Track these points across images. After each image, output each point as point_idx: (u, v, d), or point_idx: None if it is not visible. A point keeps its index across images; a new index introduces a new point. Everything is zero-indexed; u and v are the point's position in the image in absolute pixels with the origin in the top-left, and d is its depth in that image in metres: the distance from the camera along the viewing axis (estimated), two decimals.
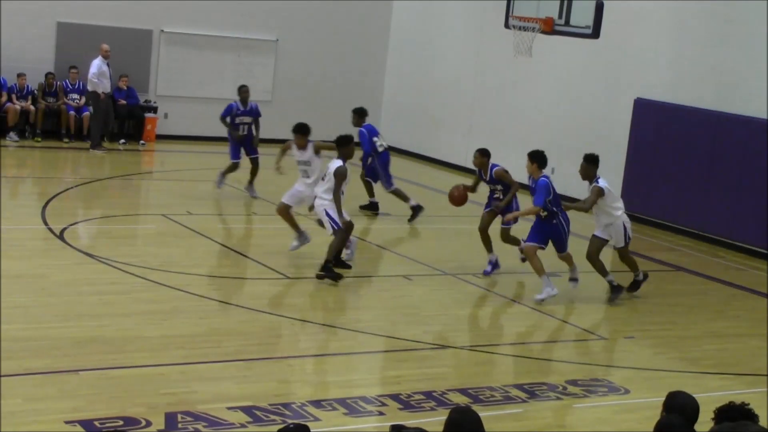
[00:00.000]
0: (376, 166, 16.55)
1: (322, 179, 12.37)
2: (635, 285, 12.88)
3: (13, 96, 20.62)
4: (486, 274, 13.31)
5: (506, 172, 13.19)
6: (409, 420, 8.01)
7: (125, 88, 21.54)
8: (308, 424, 5.11)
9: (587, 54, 18.96)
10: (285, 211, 13.16)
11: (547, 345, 11.19)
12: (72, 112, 21.03)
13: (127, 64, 21.43)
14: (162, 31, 22.20)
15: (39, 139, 20.67)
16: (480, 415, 5.04)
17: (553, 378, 9.73)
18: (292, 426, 4.93)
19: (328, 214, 12.23)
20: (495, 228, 13.31)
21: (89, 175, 18.54)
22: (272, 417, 8.02)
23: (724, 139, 16.79)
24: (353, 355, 10.06)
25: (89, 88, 20.26)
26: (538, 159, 12.38)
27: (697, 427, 5.41)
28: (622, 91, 18.66)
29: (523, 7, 14.63)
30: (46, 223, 13.92)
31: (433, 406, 8.60)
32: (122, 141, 21.37)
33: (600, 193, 12.11)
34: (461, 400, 8.80)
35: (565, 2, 14.15)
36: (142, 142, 21.71)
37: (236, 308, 11.01)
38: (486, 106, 21.87)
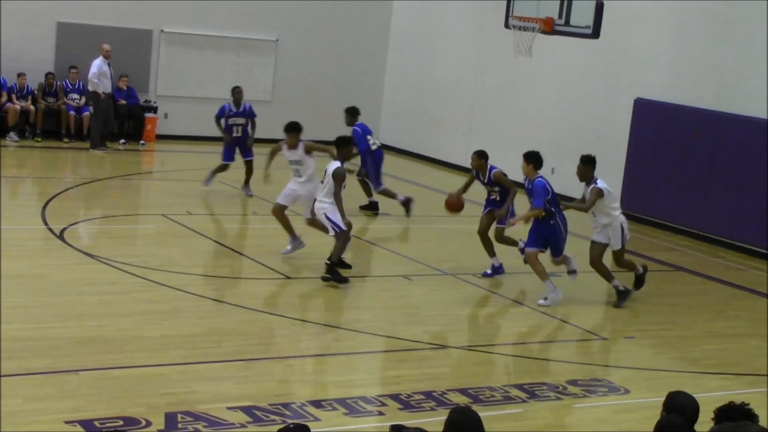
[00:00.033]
0: (368, 165, 16.54)
1: (321, 182, 12.31)
2: (639, 281, 12.81)
3: (13, 96, 20.63)
4: (485, 275, 13.28)
5: (505, 174, 13.16)
6: (409, 420, 8.01)
7: (125, 88, 21.54)
8: (308, 424, 5.11)
9: (587, 54, 18.96)
10: (280, 212, 13.15)
11: (547, 345, 11.19)
12: (72, 112, 21.03)
13: (127, 64, 21.43)
14: (162, 31, 22.20)
15: (39, 139, 20.67)
16: (480, 415, 5.04)
17: (553, 378, 9.73)
18: (292, 426, 4.93)
19: (329, 218, 12.19)
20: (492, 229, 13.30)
21: (89, 175, 18.54)
22: (272, 417, 8.02)
23: (724, 139, 16.79)
24: (353, 355, 10.06)
25: (90, 88, 20.26)
26: (533, 160, 12.31)
27: (697, 427, 5.41)
28: (622, 91, 18.66)
29: (523, 7, 14.63)
30: (46, 223, 13.92)
31: (433, 406, 8.60)
32: (122, 141, 21.37)
33: (600, 194, 12.08)
34: (461, 400, 8.80)
35: (565, 2, 14.15)
36: (142, 142, 21.71)
37: (236, 308, 11.01)
38: (486, 106, 21.88)
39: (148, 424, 7.66)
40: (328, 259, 12.75)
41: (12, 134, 20.46)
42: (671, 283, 14.46)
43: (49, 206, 15.03)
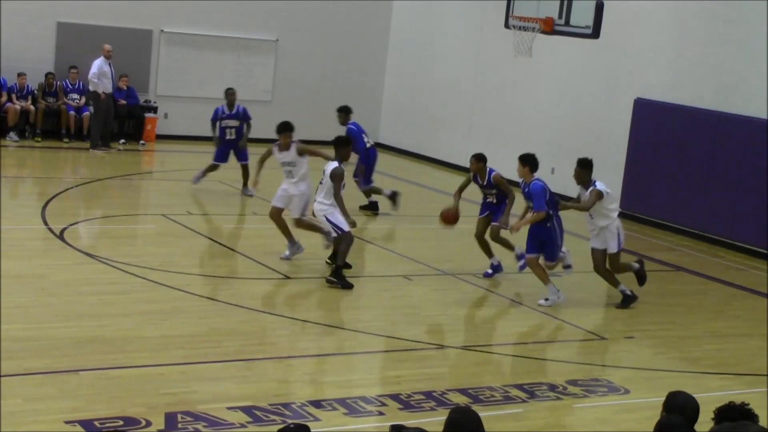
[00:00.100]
0: (363, 163, 16.53)
1: (320, 182, 12.30)
2: (640, 275, 12.69)
3: (13, 96, 20.63)
4: (486, 275, 13.28)
5: (504, 178, 13.11)
6: (409, 420, 8.01)
7: (125, 88, 21.53)
8: (308, 424, 5.11)
9: (587, 54, 18.96)
10: (278, 216, 13.13)
11: (547, 345, 11.19)
12: (72, 112, 21.03)
13: (127, 64, 21.43)
14: (162, 31, 22.20)
15: (39, 139, 20.67)
16: (480, 415, 5.04)
17: (553, 378, 9.73)
18: (292, 426, 4.93)
19: (330, 221, 12.15)
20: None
21: (89, 175, 18.54)
22: (272, 417, 8.02)
23: (724, 139, 16.80)
24: (353, 355, 10.06)
25: (90, 88, 20.26)
26: (529, 162, 12.25)
27: (697, 427, 5.41)
28: (622, 91, 18.67)
29: (523, 7, 14.63)
30: (46, 223, 13.92)
31: (433, 406, 8.60)
32: (122, 141, 21.36)
33: (600, 196, 12.04)
34: (461, 400, 8.80)
35: (565, 2, 14.14)
36: (142, 142, 21.72)
37: (236, 308, 11.01)
38: (486, 106, 21.88)
39: (148, 424, 7.66)
40: (329, 258, 12.74)
41: (12, 134, 20.46)
42: (671, 283, 14.46)
43: (49, 206, 15.03)
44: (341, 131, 16.22)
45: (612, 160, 18.56)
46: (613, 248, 12.30)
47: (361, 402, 8.59)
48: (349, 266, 12.61)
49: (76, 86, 21.15)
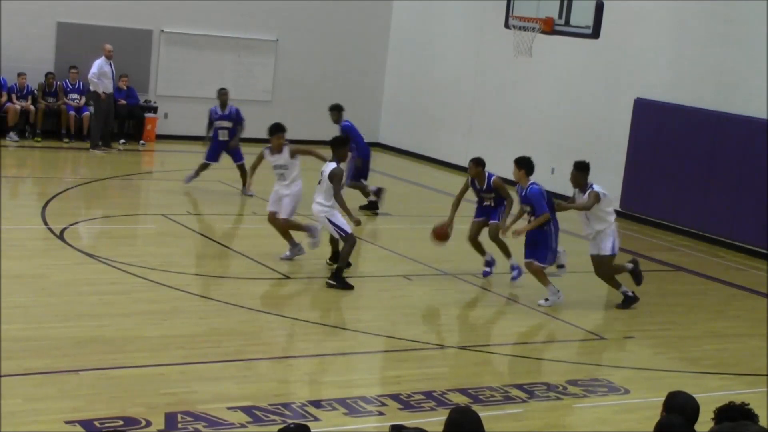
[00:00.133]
0: (359, 157, 16.51)
1: (319, 183, 12.25)
2: (636, 276, 12.58)
3: (13, 96, 20.63)
4: (486, 275, 13.27)
5: (503, 182, 13.02)
6: (409, 420, 8.01)
7: (125, 88, 21.54)
8: (308, 424, 5.11)
9: (587, 54, 18.96)
10: (275, 219, 13.12)
11: (547, 345, 11.19)
12: (72, 112, 21.03)
13: (127, 64, 21.43)
14: (162, 31, 22.20)
15: (39, 139, 20.67)
16: (480, 415, 5.04)
17: (553, 378, 9.73)
18: (292, 426, 4.93)
19: (332, 222, 12.12)
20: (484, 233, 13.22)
21: (89, 175, 18.54)
22: (272, 417, 8.02)
23: (724, 139, 16.80)
24: (353, 355, 10.06)
25: (91, 88, 20.27)
26: (525, 165, 12.20)
27: (697, 427, 5.41)
28: (622, 91, 18.67)
29: (523, 7, 14.63)
30: (46, 223, 13.92)
31: (433, 406, 8.60)
32: (122, 141, 21.37)
33: (598, 197, 12.01)
34: (461, 400, 8.80)
35: (565, 2, 14.15)
36: (142, 142, 21.72)
37: (236, 308, 11.01)
38: (486, 106, 21.88)
39: (148, 424, 7.66)
40: (329, 259, 12.72)
41: (12, 134, 20.46)
42: (671, 283, 14.46)
43: (49, 206, 15.02)
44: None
45: (612, 160, 18.56)
46: (606, 250, 12.18)
47: (361, 402, 8.59)
48: (349, 264, 12.58)
49: (76, 86, 21.15)
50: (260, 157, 13.39)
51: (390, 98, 24.51)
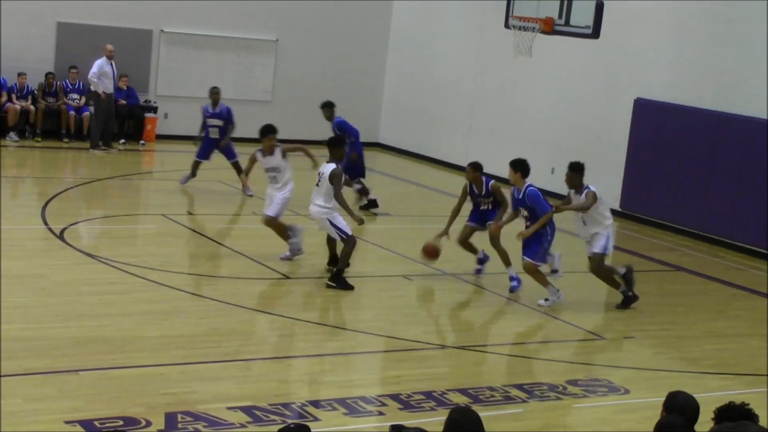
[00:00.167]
0: (354, 151, 16.51)
1: (317, 185, 12.19)
2: (629, 282, 12.46)
3: (13, 96, 20.63)
4: (478, 272, 13.22)
5: (501, 187, 12.95)
6: (409, 420, 8.01)
7: (125, 88, 21.53)
8: (308, 424, 5.11)
9: (587, 54, 18.96)
10: (274, 222, 13.10)
11: (548, 345, 11.18)
12: (72, 112, 21.03)
13: (127, 64, 21.43)
14: (162, 31, 22.20)
15: (39, 139, 20.67)
16: (480, 415, 5.04)
17: (553, 378, 9.73)
18: (292, 426, 4.93)
19: (333, 224, 12.10)
20: (484, 238, 13.17)
21: (89, 175, 18.55)
22: (272, 417, 8.02)
23: (724, 139, 16.80)
24: (353, 355, 10.06)
25: (91, 88, 20.27)
26: (521, 168, 12.16)
27: (697, 427, 5.41)
28: (622, 91, 18.67)
29: (523, 7, 14.63)
30: (46, 223, 13.92)
31: (433, 406, 8.60)
32: (122, 141, 21.37)
33: (595, 198, 11.97)
34: (461, 400, 8.80)
35: (565, 2, 14.15)
36: (142, 142, 21.72)
37: (236, 308, 11.01)
38: (486, 106, 21.88)
39: (148, 424, 7.66)
40: (328, 264, 12.63)
41: (12, 134, 20.46)
42: (671, 283, 14.46)
43: (49, 206, 15.03)
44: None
45: (612, 160, 18.57)
46: (597, 248, 12.12)
47: (361, 402, 8.59)
48: (347, 264, 12.56)
49: (76, 86, 21.15)
50: (252, 160, 13.40)
51: (390, 98, 24.51)
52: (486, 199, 12.94)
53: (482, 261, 13.28)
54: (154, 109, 22.15)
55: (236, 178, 17.34)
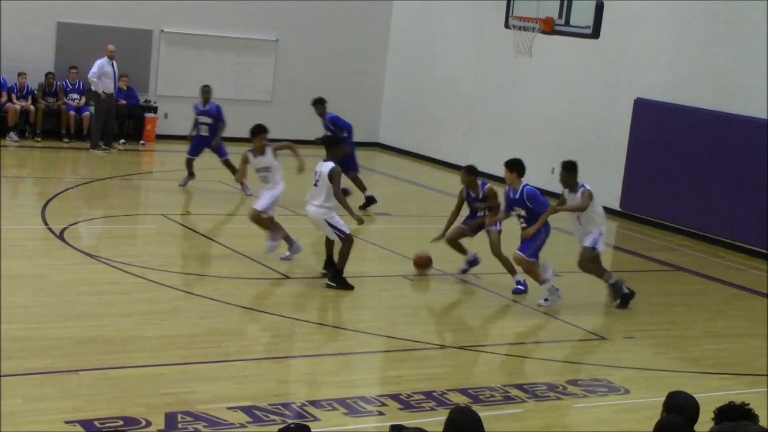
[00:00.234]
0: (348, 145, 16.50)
1: (315, 185, 12.14)
2: (616, 292, 12.29)
3: (13, 96, 20.63)
4: (463, 272, 13.08)
5: (496, 193, 12.83)
6: (409, 420, 8.01)
7: (125, 88, 21.53)
8: (308, 424, 5.11)
9: (587, 54, 18.96)
10: (270, 222, 13.10)
11: (548, 345, 11.17)
12: (72, 112, 21.03)
13: (127, 64, 21.41)
14: (162, 31, 22.20)
15: (39, 139, 20.68)
16: (480, 415, 5.04)
17: (553, 378, 9.73)
18: (292, 426, 4.93)
19: (330, 224, 12.07)
20: (482, 249, 13.15)
21: (89, 175, 18.55)
22: (272, 417, 8.02)
23: (724, 139, 16.80)
24: (353, 355, 10.06)
25: (92, 88, 20.28)
26: (516, 167, 12.13)
27: (697, 427, 5.41)
28: (622, 91, 18.67)
29: (523, 7, 14.63)
30: (46, 223, 13.92)
31: (433, 406, 8.60)
32: (122, 141, 21.37)
33: (591, 196, 11.95)
34: (461, 400, 8.80)
35: (565, 2, 14.14)
36: (142, 142, 21.72)
37: (236, 308, 11.01)
38: (486, 106, 21.88)
39: (148, 424, 7.66)
40: (324, 268, 12.55)
41: (12, 134, 20.47)
42: (671, 283, 14.46)
43: (49, 206, 15.03)
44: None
45: (612, 160, 18.57)
46: (586, 243, 12.07)
47: (361, 402, 8.59)
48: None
49: (76, 86, 21.16)
50: (245, 160, 13.37)
51: (390, 98, 24.51)
52: (483, 203, 12.83)
53: (471, 263, 13.17)
54: (154, 109, 22.15)
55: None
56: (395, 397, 8.73)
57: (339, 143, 12.63)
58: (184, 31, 22.36)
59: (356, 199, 16.45)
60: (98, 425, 7.57)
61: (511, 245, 12.46)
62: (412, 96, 23.83)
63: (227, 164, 17.35)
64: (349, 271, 12.39)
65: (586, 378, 9.86)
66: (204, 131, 17.48)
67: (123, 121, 21.78)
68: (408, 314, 11.50)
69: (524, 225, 12.10)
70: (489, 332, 11.71)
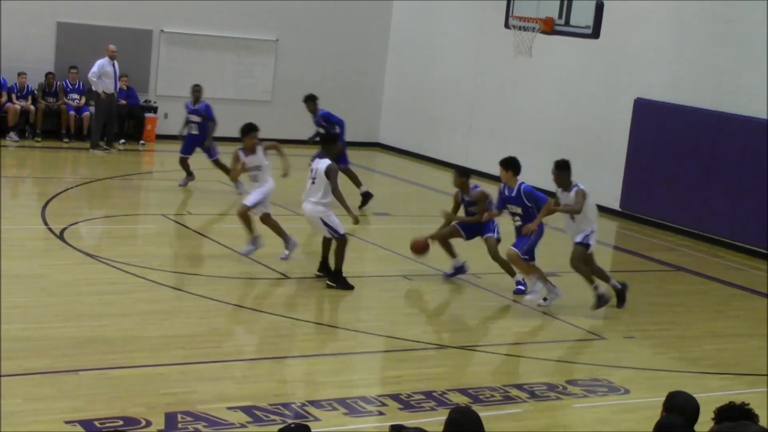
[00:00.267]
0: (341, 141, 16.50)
1: (312, 183, 12.10)
2: (600, 299, 12.06)
3: (13, 96, 20.63)
4: (447, 276, 12.99)
5: (485, 197, 12.69)
6: (409, 420, 8.01)
7: (125, 88, 21.53)
8: (308, 424, 5.11)
9: (587, 54, 18.96)
10: (267, 220, 13.11)
11: (547, 345, 11.17)
12: (72, 112, 21.04)
13: (127, 64, 21.41)
14: (162, 31, 22.20)
15: (39, 139, 20.68)
16: (480, 415, 5.04)
17: (553, 378, 9.73)
18: (292, 426, 4.93)
19: (325, 223, 12.03)
20: (481, 249, 13.07)
21: (89, 175, 18.55)
22: (272, 417, 8.02)
23: (724, 139, 16.80)
24: (353, 355, 10.06)
25: (92, 87, 20.29)
26: (513, 166, 12.10)
27: (697, 427, 5.41)
28: (622, 91, 18.67)
29: (523, 7, 14.63)
30: (46, 223, 13.92)
31: (433, 406, 8.60)
32: (122, 141, 21.37)
33: (585, 195, 11.92)
34: (461, 400, 8.80)
35: (565, 2, 14.14)
36: (142, 142, 21.73)
37: (236, 308, 11.01)
38: (486, 106, 21.88)
39: (148, 424, 7.66)
40: (318, 270, 12.51)
41: (12, 134, 20.47)
42: (671, 283, 14.46)
43: (49, 206, 15.03)
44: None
45: (612, 160, 18.57)
46: (576, 238, 12.02)
47: (361, 402, 8.59)
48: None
49: (76, 86, 21.16)
50: (236, 158, 13.35)
51: (390, 98, 24.51)
52: (476, 207, 12.80)
53: (458, 269, 13.01)
54: (154, 109, 22.16)
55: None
56: (395, 397, 8.73)
57: (335, 141, 12.65)
58: (184, 31, 22.36)
59: (355, 199, 16.46)
60: (98, 425, 7.57)
61: (506, 245, 12.45)
62: (412, 96, 23.83)
63: (217, 164, 17.40)
64: (348, 271, 12.40)
65: (586, 378, 9.86)
66: (193, 129, 17.56)
67: (123, 121, 21.78)
68: (408, 314, 11.51)
69: (519, 223, 12.10)
70: (489, 332, 11.71)
